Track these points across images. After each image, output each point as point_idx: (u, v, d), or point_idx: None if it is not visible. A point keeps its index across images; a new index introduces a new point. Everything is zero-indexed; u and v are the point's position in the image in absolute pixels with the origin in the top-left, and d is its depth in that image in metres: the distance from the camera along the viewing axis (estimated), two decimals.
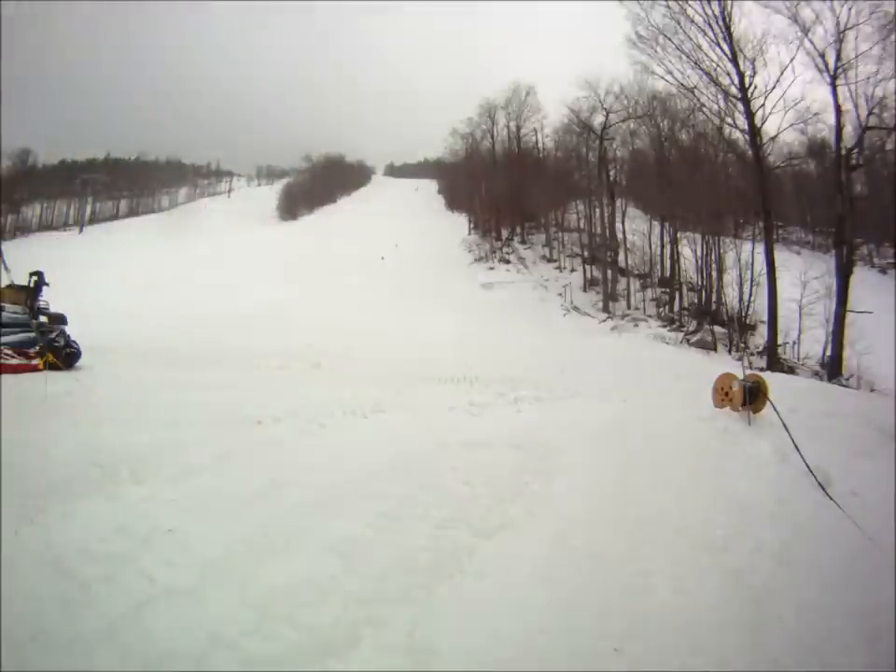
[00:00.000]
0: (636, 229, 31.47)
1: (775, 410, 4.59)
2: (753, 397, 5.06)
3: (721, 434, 4.70)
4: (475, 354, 14.98)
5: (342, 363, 10.63)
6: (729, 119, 22.21)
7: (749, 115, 20.65)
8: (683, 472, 3.75)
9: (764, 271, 20.59)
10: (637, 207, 34.63)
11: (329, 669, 1.81)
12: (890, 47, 17.27)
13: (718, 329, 24.19)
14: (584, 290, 31.89)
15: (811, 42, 18.89)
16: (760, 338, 22.99)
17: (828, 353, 19.68)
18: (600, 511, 3.13)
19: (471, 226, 44.09)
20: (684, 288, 28.26)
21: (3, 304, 7.51)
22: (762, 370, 14.77)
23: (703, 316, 25.73)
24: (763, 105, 20.53)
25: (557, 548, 2.67)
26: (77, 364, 7.35)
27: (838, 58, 18.45)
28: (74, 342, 7.48)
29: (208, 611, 2.01)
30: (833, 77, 18.65)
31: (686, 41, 21.57)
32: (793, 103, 20.32)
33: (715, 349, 23.15)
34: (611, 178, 34.41)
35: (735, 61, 20.75)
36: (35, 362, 7.01)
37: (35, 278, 8.17)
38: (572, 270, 34.26)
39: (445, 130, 51.77)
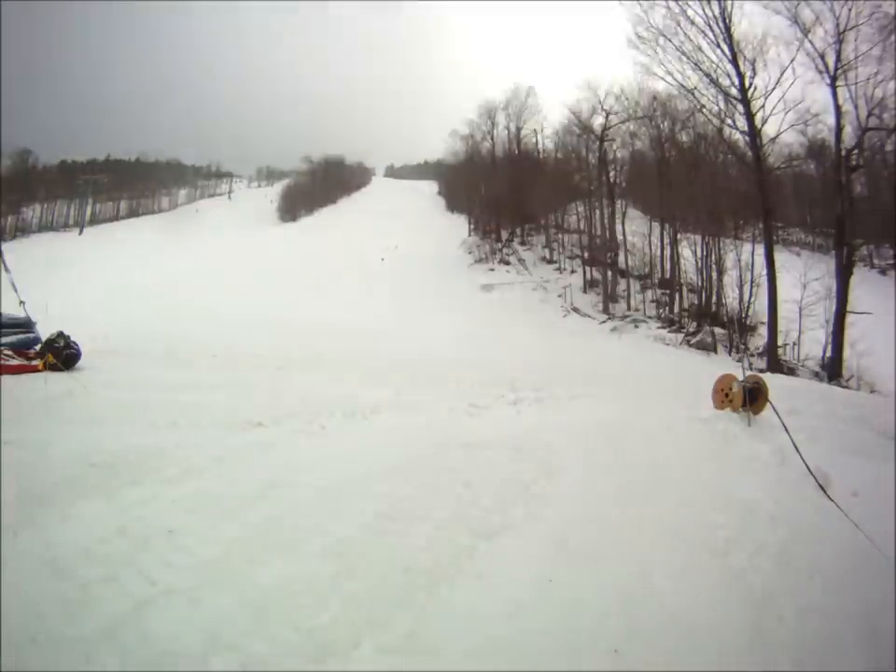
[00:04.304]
0: (636, 230, 31.55)
1: (775, 411, 4.59)
2: (753, 398, 5.05)
3: (721, 435, 4.69)
4: (475, 355, 14.99)
5: (341, 364, 10.63)
6: (729, 121, 22.26)
7: (750, 116, 20.69)
8: (683, 474, 3.75)
9: (764, 272, 20.60)
10: (637, 208, 34.68)
11: (328, 670, 1.81)
12: (890, 48, 17.32)
13: (718, 330, 24.22)
14: (584, 292, 31.92)
15: (811, 43, 18.96)
16: (760, 339, 23.01)
17: (828, 354, 19.71)
18: (600, 512, 3.12)
19: (471, 227, 44.13)
20: (684, 290, 28.31)
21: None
22: (762, 371, 14.78)
23: (703, 318, 25.78)
24: (763, 106, 20.60)
25: (557, 549, 2.67)
26: (77, 365, 7.35)
27: (838, 59, 18.50)
28: (74, 342, 7.48)
29: (208, 612, 2.01)
30: (833, 78, 18.69)
31: (686, 42, 21.63)
32: (793, 104, 20.39)
33: (715, 350, 23.18)
34: (611, 180, 34.49)
35: (735, 62, 20.79)
36: (34, 363, 7.01)
37: None
38: (572, 271, 34.31)
39: (445, 131, 51.97)
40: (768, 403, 4.90)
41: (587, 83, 32.81)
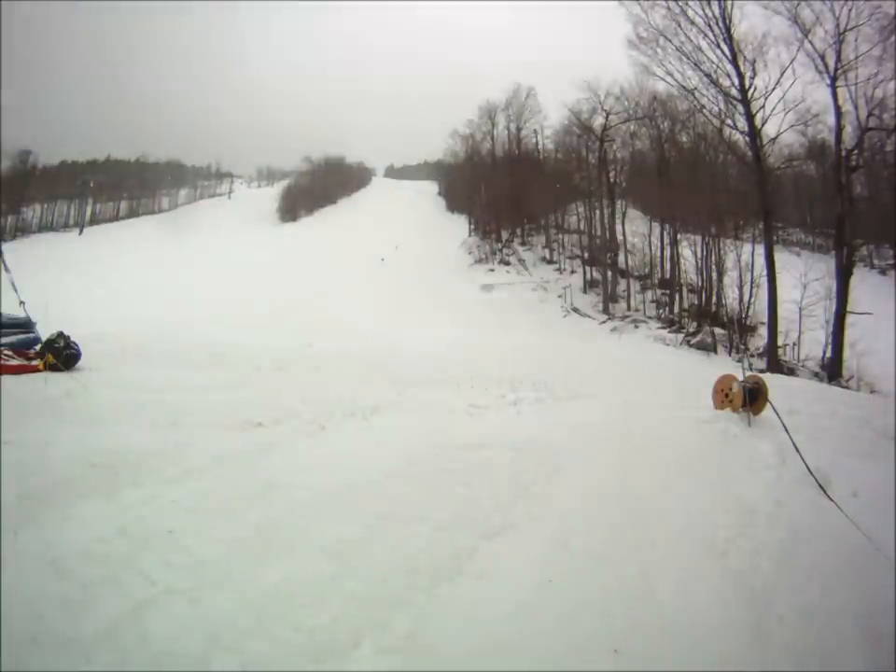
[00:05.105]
0: (636, 230, 31.58)
1: (775, 411, 4.60)
2: (753, 398, 5.06)
3: (721, 435, 4.70)
4: (475, 355, 14.98)
5: (341, 364, 10.63)
6: (729, 121, 22.30)
7: (750, 116, 20.71)
8: (683, 474, 3.75)
9: (764, 272, 20.60)
10: (637, 209, 34.69)
11: (328, 670, 1.81)
12: (890, 48, 17.35)
13: (718, 330, 24.23)
14: (584, 292, 31.94)
15: (811, 43, 18.99)
16: (760, 339, 23.01)
17: (828, 354, 19.73)
18: (600, 512, 3.13)
19: (471, 227, 44.14)
20: (684, 290, 28.33)
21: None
22: (762, 371, 14.78)
23: (703, 318, 25.80)
24: (763, 106, 20.63)
25: (557, 549, 2.67)
26: (77, 365, 7.34)
27: (838, 59, 18.53)
28: (74, 343, 7.46)
29: (208, 612, 2.01)
30: (833, 79, 18.71)
31: (686, 42, 21.67)
32: (793, 104, 20.43)
33: (715, 350, 23.19)
34: (611, 180, 34.49)
35: (735, 62, 20.81)
36: (34, 363, 7.00)
37: None
38: (572, 271, 34.32)
39: (445, 131, 52.08)
40: (768, 403, 4.90)
41: (587, 83, 32.87)
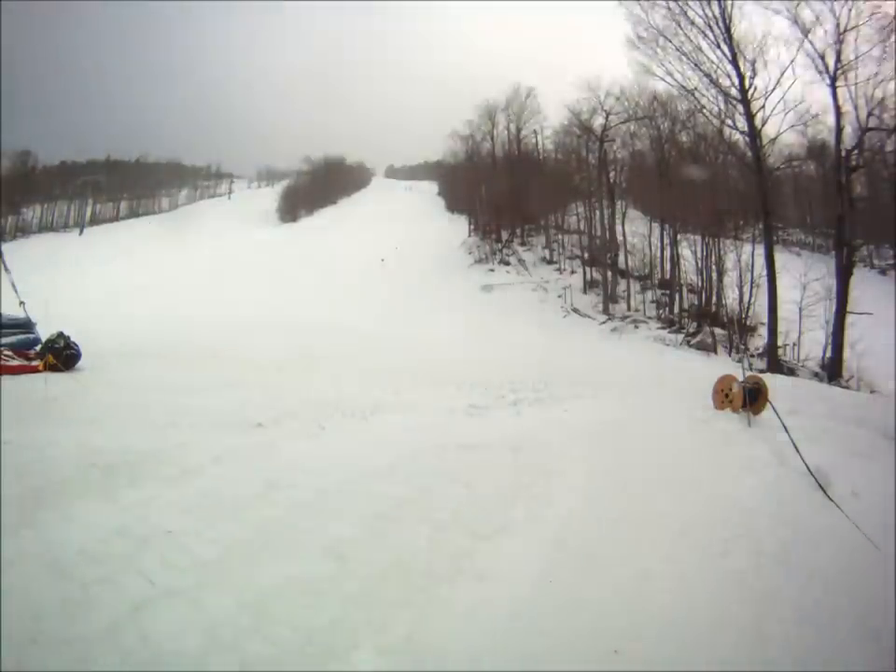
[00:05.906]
0: (636, 230, 31.50)
1: (775, 411, 4.60)
2: (753, 398, 5.07)
3: (721, 436, 4.70)
4: (475, 356, 14.99)
5: (341, 364, 10.64)
6: (729, 121, 22.21)
7: (750, 116, 20.67)
8: (683, 474, 3.75)
9: (764, 272, 20.58)
10: (637, 209, 34.65)
11: (328, 670, 1.81)
12: (890, 48, 17.30)
13: (718, 330, 24.18)
14: (584, 292, 31.85)
15: (811, 43, 18.92)
16: (760, 339, 22.98)
17: (828, 354, 19.68)
18: (600, 512, 3.12)
19: (471, 228, 44.08)
20: (684, 290, 28.26)
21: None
22: (762, 371, 14.77)
23: (703, 318, 25.74)
24: (763, 106, 20.54)
25: (557, 549, 2.67)
26: (77, 365, 7.35)
27: (838, 59, 18.48)
28: (74, 343, 7.48)
29: (208, 612, 2.01)
30: (833, 79, 18.67)
31: (686, 42, 21.59)
32: (793, 104, 20.33)
33: (715, 351, 23.15)
34: (611, 180, 34.41)
35: (735, 62, 20.77)
36: (34, 363, 7.02)
37: None
38: (572, 272, 34.23)
39: (445, 131, 52.05)
40: (768, 403, 4.91)
41: (587, 83, 32.76)
